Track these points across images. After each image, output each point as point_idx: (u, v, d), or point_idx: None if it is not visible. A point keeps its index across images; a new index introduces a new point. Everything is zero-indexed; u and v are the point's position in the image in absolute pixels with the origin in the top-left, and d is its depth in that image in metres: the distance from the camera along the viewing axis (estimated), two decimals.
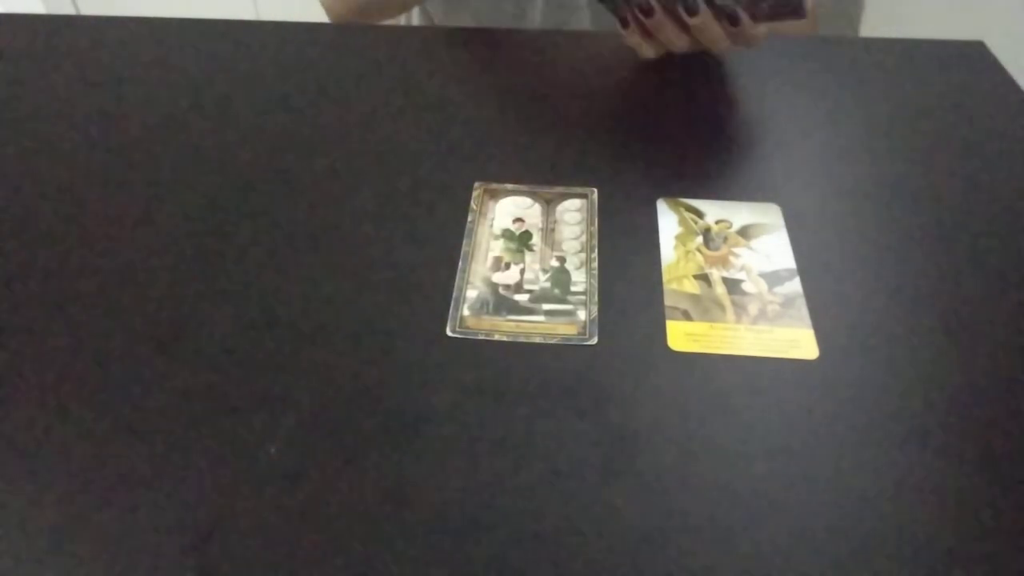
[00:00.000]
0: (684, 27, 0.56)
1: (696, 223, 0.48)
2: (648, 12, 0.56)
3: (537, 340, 0.41)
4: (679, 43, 0.58)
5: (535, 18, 0.74)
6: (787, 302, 0.43)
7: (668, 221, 0.49)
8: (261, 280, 0.45)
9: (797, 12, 0.53)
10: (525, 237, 0.48)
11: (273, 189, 0.51)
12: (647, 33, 0.59)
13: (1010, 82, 0.61)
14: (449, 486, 0.35)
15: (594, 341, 0.41)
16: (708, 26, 0.55)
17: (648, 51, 0.60)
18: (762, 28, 0.56)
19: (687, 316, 0.43)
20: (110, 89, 0.61)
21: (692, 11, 0.54)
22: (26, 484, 0.35)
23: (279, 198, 0.50)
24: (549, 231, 0.48)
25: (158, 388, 0.39)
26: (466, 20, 0.76)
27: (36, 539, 0.33)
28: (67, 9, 1.88)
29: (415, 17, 0.82)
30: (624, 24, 0.58)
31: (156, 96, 0.60)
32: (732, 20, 0.54)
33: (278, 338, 0.42)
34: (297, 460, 0.36)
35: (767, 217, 0.49)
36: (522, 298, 0.44)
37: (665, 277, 0.45)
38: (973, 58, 0.64)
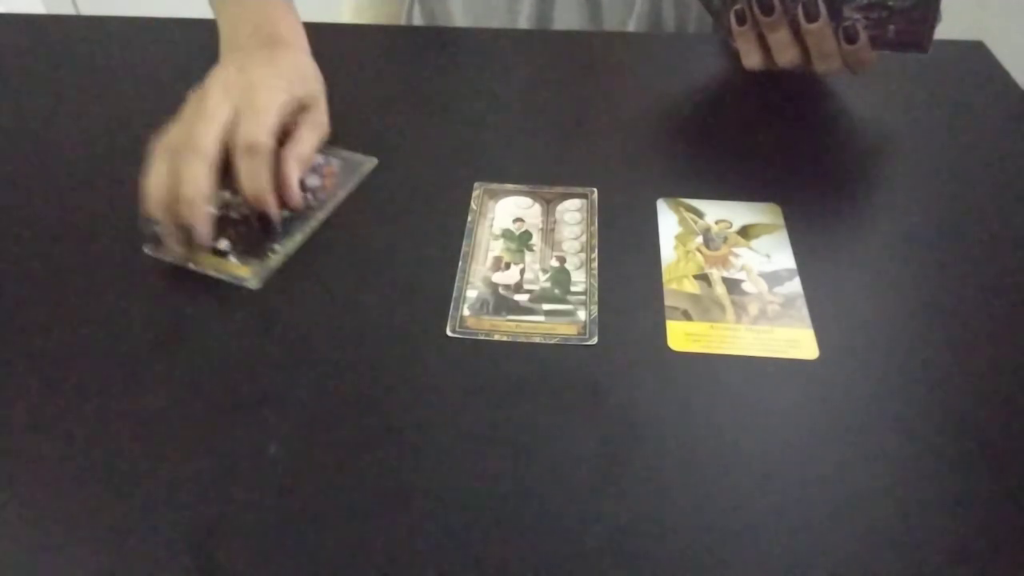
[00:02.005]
0: (798, 37, 0.54)
1: (696, 223, 0.48)
2: (768, 10, 0.53)
3: (537, 340, 0.41)
4: (789, 53, 0.54)
5: (526, 11, 0.74)
6: (787, 302, 0.43)
7: (668, 221, 0.49)
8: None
9: (920, 46, 0.51)
10: (525, 237, 0.48)
11: None
12: (759, 37, 0.56)
13: (1010, 82, 0.61)
14: (449, 486, 0.35)
15: (594, 341, 0.41)
16: (824, 38, 0.52)
17: (753, 58, 0.56)
18: (874, 53, 0.53)
19: (687, 316, 0.43)
20: (110, 89, 0.61)
21: (812, 17, 0.51)
22: (26, 483, 0.35)
23: None
24: (549, 231, 0.48)
25: (158, 388, 0.39)
26: (457, 8, 0.76)
27: (36, 538, 0.33)
28: (67, 9, 1.88)
29: (415, 17, 0.82)
30: (741, 21, 0.55)
31: (155, 96, 0.60)
32: (849, 38, 0.52)
33: (278, 338, 0.42)
34: (297, 460, 0.36)
35: (767, 217, 0.49)
36: (522, 298, 0.44)
37: (665, 277, 0.45)
38: (973, 58, 0.64)
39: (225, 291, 0.44)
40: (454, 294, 0.44)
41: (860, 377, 0.40)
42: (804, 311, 0.43)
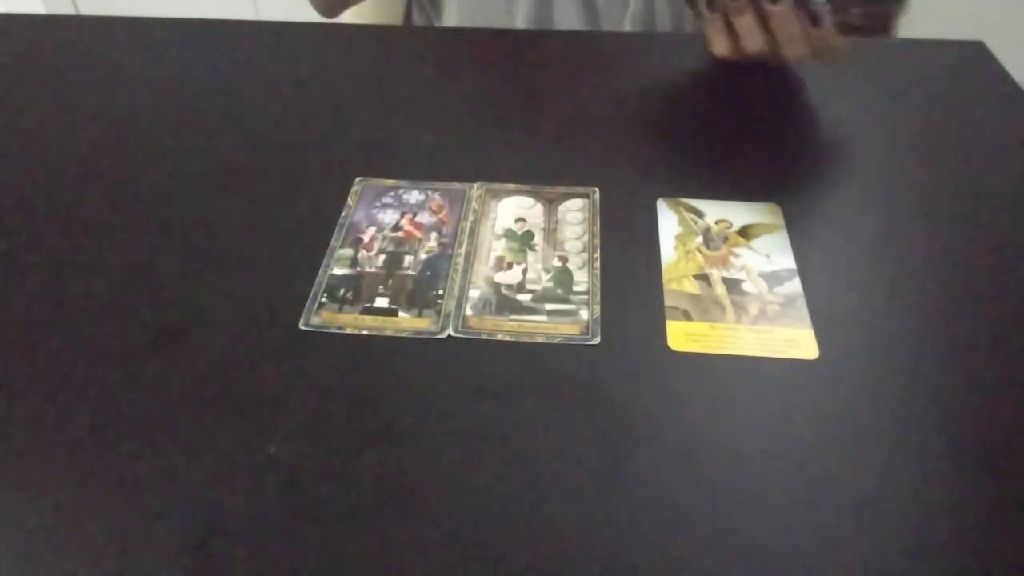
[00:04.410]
0: (764, 24, 0.54)
1: (696, 223, 0.48)
2: None
3: (540, 340, 0.41)
4: (755, 39, 0.55)
5: (524, 11, 0.74)
6: (787, 302, 0.43)
7: (668, 221, 0.49)
8: (262, 280, 0.45)
9: (886, 30, 0.52)
10: (527, 237, 0.48)
11: (272, 189, 0.51)
12: (727, 24, 0.56)
13: (1010, 82, 0.61)
14: (450, 486, 0.35)
15: (596, 341, 0.41)
16: (788, 20, 0.52)
17: (720, 45, 0.57)
18: (843, 39, 0.53)
19: (687, 316, 0.43)
20: (110, 89, 0.61)
21: None
22: (26, 483, 0.35)
23: (278, 198, 0.50)
24: (551, 231, 0.48)
25: (158, 388, 0.39)
26: (454, 10, 0.76)
27: (36, 538, 0.33)
28: (67, 9, 1.88)
29: (415, 17, 0.82)
30: (711, 7, 0.56)
31: (156, 96, 0.60)
32: (814, 19, 0.52)
33: (278, 338, 0.42)
34: (297, 460, 0.36)
35: (767, 217, 0.49)
36: (524, 298, 0.44)
37: (665, 277, 0.45)
38: (973, 58, 0.64)
39: (224, 291, 0.44)
40: (456, 294, 0.44)
41: (860, 377, 0.40)
42: (804, 311, 0.43)
